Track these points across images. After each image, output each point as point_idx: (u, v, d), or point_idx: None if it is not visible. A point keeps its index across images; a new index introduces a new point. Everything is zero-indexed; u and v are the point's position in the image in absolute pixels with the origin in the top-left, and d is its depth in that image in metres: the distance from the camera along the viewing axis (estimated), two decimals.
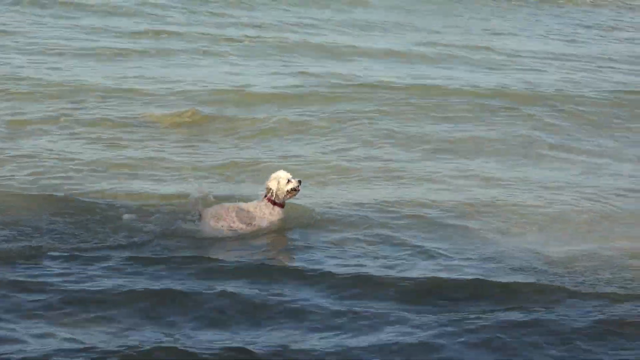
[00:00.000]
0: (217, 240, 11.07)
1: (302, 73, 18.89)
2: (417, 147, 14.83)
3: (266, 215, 11.35)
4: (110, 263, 9.89)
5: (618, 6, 29.28)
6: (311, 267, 10.12)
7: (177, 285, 9.26)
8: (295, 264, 10.35)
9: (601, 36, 25.25)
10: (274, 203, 11.35)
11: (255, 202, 11.47)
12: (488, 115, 16.59)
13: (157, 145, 14.46)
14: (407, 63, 20.52)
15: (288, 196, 11.37)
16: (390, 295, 9.36)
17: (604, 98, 17.92)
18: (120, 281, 9.35)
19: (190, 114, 15.88)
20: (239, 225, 11.30)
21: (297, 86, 17.92)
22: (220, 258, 10.36)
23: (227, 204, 11.41)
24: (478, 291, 9.48)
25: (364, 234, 11.33)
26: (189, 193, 11.54)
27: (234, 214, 11.29)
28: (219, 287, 9.23)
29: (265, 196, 11.38)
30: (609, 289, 9.67)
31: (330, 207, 12.09)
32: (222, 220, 11.26)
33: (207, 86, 17.56)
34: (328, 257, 10.55)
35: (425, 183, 13.25)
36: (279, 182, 11.28)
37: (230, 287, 9.24)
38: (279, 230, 11.35)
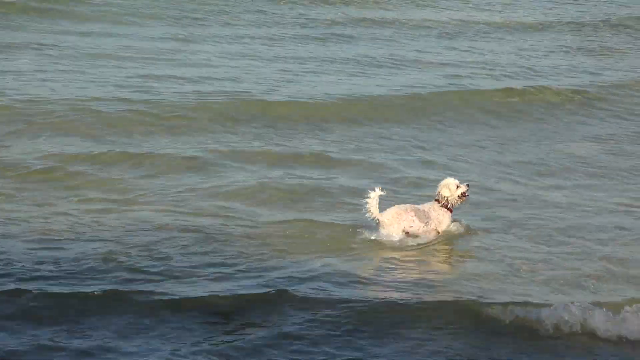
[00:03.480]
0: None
1: None
2: None
3: (440, 217, 12.00)
4: None
5: None
6: None
7: None
8: None
9: None
10: (447, 208, 12.02)
11: (428, 204, 12.13)
12: None
13: None
14: None
15: (459, 201, 12.09)
16: None
17: None
18: None
19: None
20: (417, 225, 11.90)
21: None
22: None
23: (403, 205, 12.02)
24: None
25: None
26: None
27: (412, 214, 11.91)
28: None
29: (436, 201, 12.05)
30: None
31: None
32: (403, 221, 11.83)
33: None
34: None
35: None
36: (450, 189, 11.96)
37: None
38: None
